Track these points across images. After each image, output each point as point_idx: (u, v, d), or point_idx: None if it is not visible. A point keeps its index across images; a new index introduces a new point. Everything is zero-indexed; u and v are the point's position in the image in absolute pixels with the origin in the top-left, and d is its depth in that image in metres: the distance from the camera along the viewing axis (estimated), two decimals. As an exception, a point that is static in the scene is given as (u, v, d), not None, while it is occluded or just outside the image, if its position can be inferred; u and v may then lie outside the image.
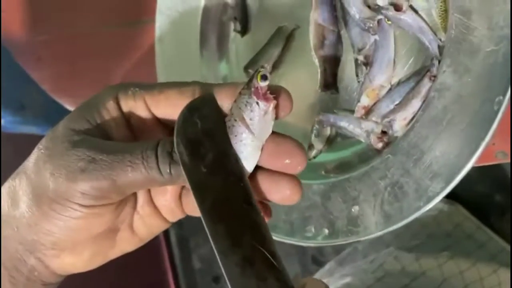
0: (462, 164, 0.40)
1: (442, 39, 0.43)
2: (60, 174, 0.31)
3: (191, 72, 0.58)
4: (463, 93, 0.41)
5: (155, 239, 0.38)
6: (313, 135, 0.50)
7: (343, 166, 0.49)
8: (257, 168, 0.32)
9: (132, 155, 0.30)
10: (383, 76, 0.47)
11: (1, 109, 0.88)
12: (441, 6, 0.43)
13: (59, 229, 0.32)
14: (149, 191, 0.35)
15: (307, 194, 0.48)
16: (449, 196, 0.41)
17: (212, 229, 0.29)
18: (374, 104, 0.47)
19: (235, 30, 0.59)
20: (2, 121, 0.91)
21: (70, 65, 0.78)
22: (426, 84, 0.44)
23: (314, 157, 0.50)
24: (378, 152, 0.46)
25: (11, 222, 0.33)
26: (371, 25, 0.46)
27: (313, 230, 0.47)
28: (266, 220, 0.31)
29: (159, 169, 0.30)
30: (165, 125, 0.34)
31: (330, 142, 0.50)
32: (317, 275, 0.80)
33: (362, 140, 0.47)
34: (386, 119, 0.46)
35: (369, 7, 0.47)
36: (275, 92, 0.31)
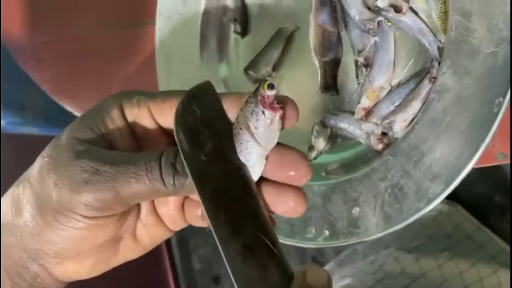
0: (462, 166, 0.40)
1: (442, 40, 0.43)
2: (63, 184, 0.31)
3: (191, 73, 0.59)
4: (463, 94, 0.41)
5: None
6: (313, 136, 0.50)
7: (343, 168, 0.49)
8: (261, 179, 0.32)
9: (136, 166, 0.30)
10: (383, 77, 0.47)
11: (1, 110, 0.88)
12: (441, 7, 0.44)
13: (62, 239, 0.32)
14: (152, 200, 0.35)
15: (307, 195, 0.47)
16: (449, 197, 0.41)
17: (213, 217, 0.29)
18: (374, 105, 0.47)
19: (235, 31, 0.59)
20: (2, 121, 0.91)
21: (70, 66, 0.78)
22: (426, 85, 0.44)
23: (315, 158, 0.50)
24: (378, 153, 0.46)
25: (14, 230, 0.33)
26: (371, 26, 0.46)
27: (313, 231, 0.47)
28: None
29: (162, 180, 0.30)
30: (169, 134, 0.33)
31: (331, 144, 0.50)
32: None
33: (362, 141, 0.47)
34: (386, 121, 0.46)
35: (369, 8, 0.47)
36: (282, 102, 0.31)
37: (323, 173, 0.50)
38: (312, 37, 0.51)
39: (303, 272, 0.29)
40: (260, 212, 0.30)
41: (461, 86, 0.41)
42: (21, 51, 0.81)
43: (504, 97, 0.38)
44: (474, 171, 0.40)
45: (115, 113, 0.33)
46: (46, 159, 0.32)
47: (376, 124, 0.46)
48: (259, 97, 0.30)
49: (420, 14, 0.45)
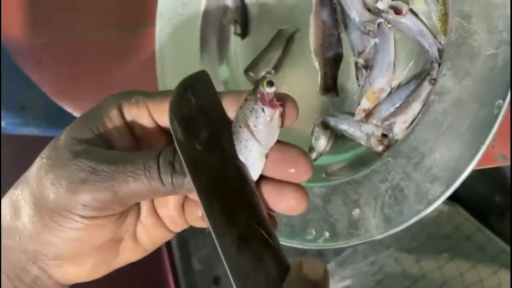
0: (462, 168, 0.40)
1: (442, 42, 0.43)
2: (61, 184, 0.30)
3: (192, 75, 0.59)
4: (463, 96, 0.41)
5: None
6: (313, 138, 0.50)
7: (343, 169, 0.49)
8: (261, 177, 0.31)
9: (134, 165, 0.30)
10: (383, 79, 0.47)
11: (1, 111, 0.88)
12: (441, 9, 0.44)
13: (61, 240, 0.32)
14: (152, 201, 0.35)
15: (307, 197, 0.48)
16: (449, 198, 0.41)
17: (208, 207, 0.29)
18: (374, 107, 0.47)
19: (235, 33, 0.59)
20: (3, 122, 0.91)
21: (70, 67, 0.78)
22: (426, 87, 0.44)
23: (315, 160, 0.50)
24: (379, 155, 0.46)
25: (13, 232, 0.33)
26: (371, 28, 0.46)
27: (313, 233, 0.47)
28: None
29: (161, 179, 0.30)
30: (168, 134, 0.33)
31: (331, 145, 0.50)
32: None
33: (363, 143, 0.47)
34: (386, 122, 0.46)
35: (369, 10, 0.47)
36: (281, 99, 0.31)
37: (323, 175, 0.50)
38: (312, 39, 0.51)
39: (299, 264, 0.29)
40: (256, 202, 0.30)
41: (461, 88, 0.41)
42: (21, 53, 0.81)
43: (504, 99, 0.39)
44: (474, 172, 0.40)
45: (114, 113, 0.33)
46: (44, 159, 0.32)
47: (376, 125, 0.46)
48: (258, 95, 0.30)
49: (420, 15, 0.45)
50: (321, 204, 0.47)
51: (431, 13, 0.44)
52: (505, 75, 0.39)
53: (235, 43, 0.60)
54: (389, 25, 0.47)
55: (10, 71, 0.82)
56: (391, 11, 0.45)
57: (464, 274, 0.70)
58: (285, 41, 0.55)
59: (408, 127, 0.44)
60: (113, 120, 0.33)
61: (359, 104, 0.48)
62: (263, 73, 0.55)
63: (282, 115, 0.31)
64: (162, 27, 0.61)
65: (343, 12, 0.49)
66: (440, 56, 0.43)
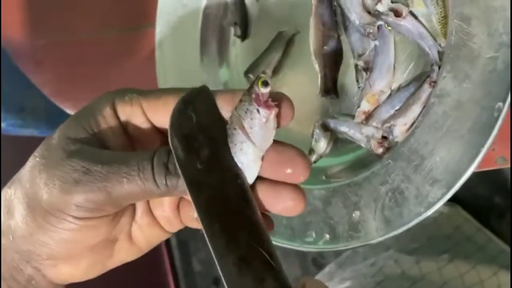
0: (462, 170, 0.40)
1: (442, 45, 0.43)
2: (54, 185, 0.30)
3: (192, 77, 0.59)
4: (463, 99, 0.41)
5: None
6: (313, 140, 0.50)
7: (343, 171, 0.49)
8: (258, 178, 0.31)
9: (128, 166, 0.30)
10: (383, 81, 0.47)
11: (1, 112, 0.88)
12: (441, 12, 0.44)
13: (54, 241, 0.31)
14: (147, 201, 0.35)
15: (308, 199, 0.47)
16: (449, 199, 0.41)
17: (208, 228, 0.29)
18: (374, 109, 0.47)
19: (235, 35, 0.59)
20: (3, 124, 0.91)
21: (70, 69, 0.78)
22: (426, 89, 0.44)
23: (315, 162, 0.50)
24: (379, 157, 0.46)
25: (6, 231, 0.32)
26: (371, 30, 0.46)
27: (314, 235, 0.47)
28: (268, 231, 0.30)
29: (155, 180, 0.30)
30: (163, 133, 0.33)
31: (331, 147, 0.50)
32: (317, 278, 0.80)
33: (363, 145, 0.47)
34: (386, 125, 0.46)
35: (369, 12, 0.47)
36: (277, 99, 0.30)
37: (324, 177, 0.50)
38: (312, 41, 0.51)
39: (302, 285, 0.29)
40: (257, 222, 0.29)
41: (461, 91, 0.41)
42: (20, 54, 0.81)
43: (504, 102, 0.39)
44: (474, 173, 0.40)
45: (108, 111, 0.32)
46: (37, 158, 0.32)
47: (376, 128, 0.46)
48: (253, 95, 0.29)
49: (420, 18, 0.45)
50: (321, 207, 0.47)
51: (431, 15, 0.44)
52: (505, 78, 0.39)
53: (235, 45, 0.60)
54: (389, 28, 0.47)
55: (10, 72, 0.82)
56: (391, 14, 0.45)
57: (464, 275, 0.70)
58: (285, 43, 0.55)
59: (408, 129, 0.45)
60: (106, 118, 0.32)
61: (359, 106, 0.48)
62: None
63: (278, 116, 0.30)
64: (162, 29, 0.61)
65: (343, 14, 0.49)
66: (440, 59, 0.43)
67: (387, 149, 0.46)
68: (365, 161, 0.48)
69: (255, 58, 0.56)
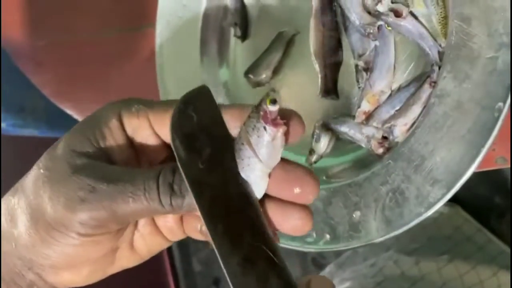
0: (462, 170, 0.40)
1: (442, 45, 0.44)
2: (58, 201, 0.30)
3: (192, 77, 0.59)
4: (463, 99, 0.41)
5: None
6: (313, 140, 0.50)
7: (344, 172, 0.49)
8: (266, 196, 0.31)
9: (134, 185, 0.30)
10: (384, 81, 0.47)
11: (1, 112, 0.88)
12: (441, 12, 0.44)
13: (57, 254, 0.31)
14: None
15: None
16: (449, 199, 0.41)
17: (212, 228, 0.28)
18: (375, 109, 0.47)
19: (235, 35, 0.59)
20: (3, 124, 0.91)
21: (70, 70, 0.78)
22: (426, 90, 0.44)
23: (315, 162, 0.50)
24: (379, 157, 0.46)
25: (9, 238, 0.32)
26: (372, 31, 0.46)
27: (314, 235, 0.47)
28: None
29: (160, 200, 0.30)
30: (169, 146, 0.33)
31: (331, 148, 0.50)
32: (317, 278, 0.80)
33: (363, 145, 0.47)
34: (387, 125, 0.46)
35: (369, 13, 0.47)
36: (286, 116, 0.29)
37: (324, 177, 0.50)
38: (312, 41, 0.51)
39: (307, 282, 0.29)
40: (260, 221, 0.29)
41: (461, 91, 0.41)
42: (21, 55, 0.81)
43: (504, 102, 0.39)
44: (474, 173, 0.41)
45: (114, 124, 0.32)
46: (42, 170, 0.31)
47: (377, 128, 0.46)
48: (261, 112, 0.29)
49: (420, 18, 0.45)
50: (321, 207, 0.47)
51: (431, 16, 0.44)
52: (505, 78, 0.39)
53: (235, 46, 0.60)
54: (389, 28, 0.47)
55: (10, 72, 0.82)
56: (391, 14, 0.45)
57: (464, 276, 0.70)
58: (285, 44, 0.55)
59: (409, 129, 0.45)
60: (112, 131, 0.32)
61: (359, 106, 0.48)
62: (263, 76, 0.55)
63: (286, 133, 0.29)
64: (162, 30, 0.61)
65: (343, 14, 0.49)
66: (440, 59, 0.43)
67: (388, 149, 0.46)
68: (366, 161, 0.48)
69: (255, 59, 0.56)
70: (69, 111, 0.76)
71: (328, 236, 0.46)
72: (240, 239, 0.29)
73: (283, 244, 0.48)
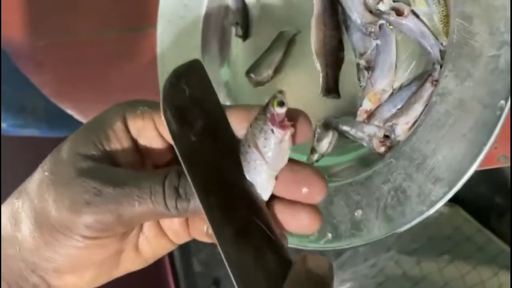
0: (464, 169, 0.40)
1: (444, 43, 0.44)
2: (63, 204, 0.30)
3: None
4: (465, 97, 0.41)
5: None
6: (315, 139, 0.50)
7: (345, 170, 0.49)
8: (273, 197, 0.30)
9: (140, 189, 0.30)
10: (385, 80, 0.47)
11: (1, 112, 0.88)
12: (442, 11, 0.44)
13: (61, 257, 0.31)
14: None
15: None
16: (449, 199, 0.41)
17: (205, 201, 0.28)
18: (376, 108, 0.47)
19: (236, 35, 0.59)
20: (3, 124, 0.91)
21: (70, 70, 0.78)
22: (428, 88, 0.44)
23: (317, 161, 0.50)
24: (381, 156, 0.46)
25: (13, 242, 0.32)
26: (373, 29, 0.47)
27: (316, 234, 0.47)
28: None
29: (166, 204, 0.29)
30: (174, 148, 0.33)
31: (333, 146, 0.50)
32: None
33: (365, 144, 0.47)
34: (388, 123, 0.46)
35: (370, 12, 0.47)
36: (293, 117, 0.29)
37: (326, 176, 0.50)
38: (313, 40, 0.51)
39: (302, 258, 0.28)
40: (254, 194, 0.29)
41: (463, 89, 0.41)
42: (21, 55, 0.81)
43: (506, 100, 0.39)
44: (475, 172, 0.41)
45: (118, 126, 0.32)
46: (46, 173, 0.31)
47: (378, 126, 0.46)
48: (268, 115, 0.28)
49: (421, 17, 0.45)
50: (323, 206, 0.47)
51: (432, 14, 0.44)
52: (507, 76, 0.39)
53: (237, 45, 0.60)
54: (391, 27, 0.47)
55: (10, 72, 0.82)
56: (393, 13, 0.45)
57: (465, 276, 0.71)
58: (286, 43, 0.55)
59: (410, 128, 0.45)
60: (117, 133, 0.32)
61: (361, 105, 0.48)
62: (264, 76, 0.55)
63: (294, 134, 0.29)
64: (163, 29, 0.61)
65: (345, 13, 0.49)
66: (442, 58, 0.43)
67: (389, 148, 0.46)
68: (367, 160, 0.48)
69: (257, 58, 0.56)
70: (69, 111, 0.76)
71: (330, 235, 0.46)
72: (233, 212, 0.28)
73: (284, 243, 0.48)
